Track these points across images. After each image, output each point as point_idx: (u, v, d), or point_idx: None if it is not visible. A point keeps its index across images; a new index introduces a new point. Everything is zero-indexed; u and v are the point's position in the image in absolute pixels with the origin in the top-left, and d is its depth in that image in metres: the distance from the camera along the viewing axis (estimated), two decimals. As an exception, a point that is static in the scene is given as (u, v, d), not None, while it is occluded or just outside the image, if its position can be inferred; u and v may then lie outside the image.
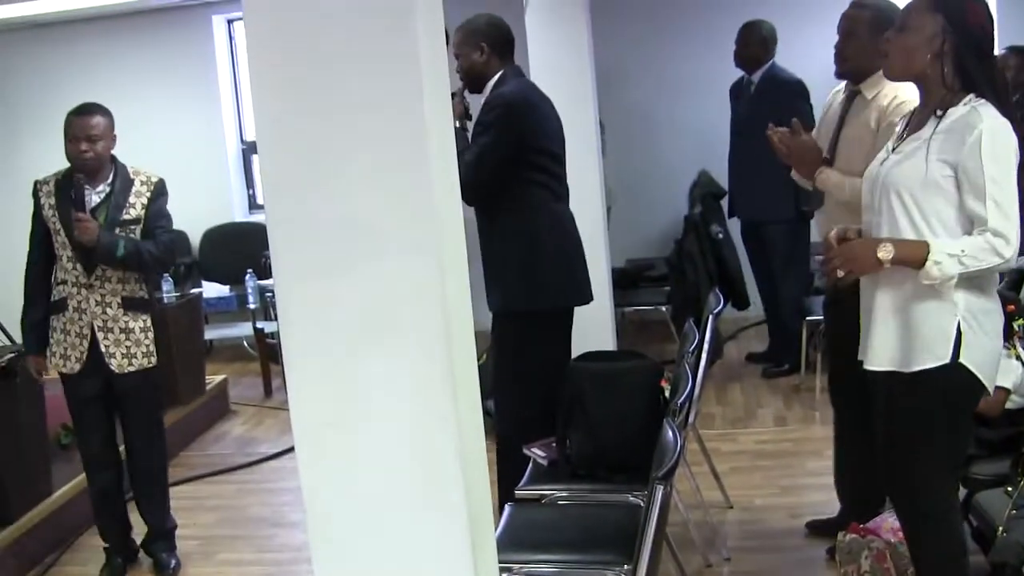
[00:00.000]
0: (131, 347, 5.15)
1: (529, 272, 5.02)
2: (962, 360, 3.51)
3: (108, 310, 5.10)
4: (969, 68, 3.51)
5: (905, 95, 4.23)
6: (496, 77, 5.09)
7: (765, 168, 5.92)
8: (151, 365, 5.22)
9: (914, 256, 3.45)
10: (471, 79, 5.15)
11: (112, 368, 5.12)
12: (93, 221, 4.97)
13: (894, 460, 3.78)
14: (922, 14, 3.56)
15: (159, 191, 5.22)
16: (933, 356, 3.54)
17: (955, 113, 3.50)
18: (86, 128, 5.01)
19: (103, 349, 5.10)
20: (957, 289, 3.48)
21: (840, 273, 3.58)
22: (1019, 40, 7.18)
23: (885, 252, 3.48)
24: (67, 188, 5.05)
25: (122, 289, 5.14)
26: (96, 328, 5.08)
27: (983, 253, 3.41)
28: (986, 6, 3.61)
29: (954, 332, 3.50)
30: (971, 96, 3.50)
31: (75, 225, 4.93)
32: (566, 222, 5.20)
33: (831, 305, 4.86)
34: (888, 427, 3.77)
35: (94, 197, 5.08)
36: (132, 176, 5.18)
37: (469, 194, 4.60)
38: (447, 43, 2.73)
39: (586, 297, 5.27)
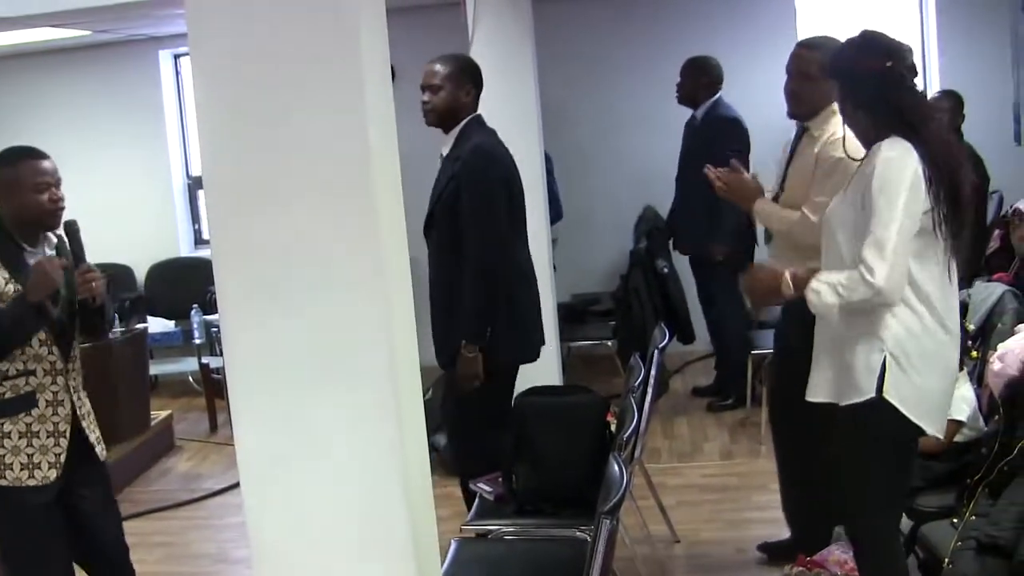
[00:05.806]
0: (95, 429, 4.23)
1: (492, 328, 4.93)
2: (886, 396, 3.53)
3: (80, 395, 4.15)
4: (878, 111, 3.59)
5: (843, 131, 4.26)
6: (465, 122, 5.00)
7: (709, 202, 5.95)
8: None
9: (805, 286, 3.56)
10: (443, 115, 4.99)
11: (99, 458, 4.22)
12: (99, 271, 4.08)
13: (837, 486, 3.83)
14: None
15: None
16: (858, 391, 3.59)
17: (871, 152, 3.60)
18: (54, 172, 4.02)
19: (92, 440, 4.17)
20: (887, 327, 3.53)
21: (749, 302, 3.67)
22: (957, 78, 7.33)
23: (786, 286, 3.62)
24: (9, 252, 4.01)
25: (80, 365, 4.23)
26: (80, 418, 4.10)
27: (855, 283, 3.46)
28: (882, 45, 3.63)
29: (879, 368, 3.53)
30: (892, 136, 3.55)
31: (80, 281, 4.00)
32: (525, 278, 5.14)
33: (779, 339, 4.92)
34: (829, 455, 3.82)
35: (48, 253, 4.11)
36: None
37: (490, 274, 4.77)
38: (392, 79, 2.74)
39: (535, 355, 5.21)
